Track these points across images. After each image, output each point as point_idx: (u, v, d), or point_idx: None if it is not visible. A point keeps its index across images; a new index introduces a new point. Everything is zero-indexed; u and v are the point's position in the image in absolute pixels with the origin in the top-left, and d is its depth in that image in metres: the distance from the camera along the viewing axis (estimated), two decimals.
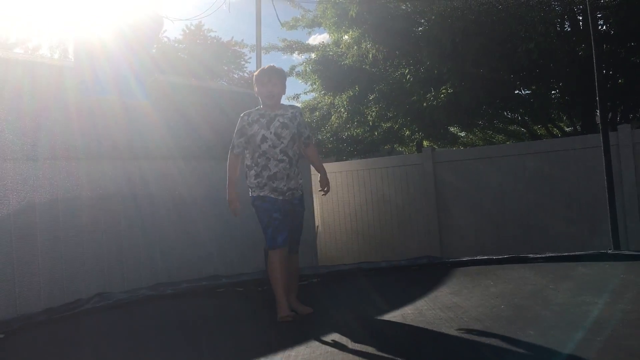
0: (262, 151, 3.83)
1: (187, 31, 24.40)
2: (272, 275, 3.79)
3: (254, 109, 4.00)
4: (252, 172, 3.90)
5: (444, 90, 9.34)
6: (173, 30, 38.11)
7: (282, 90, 4.02)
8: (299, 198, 4.03)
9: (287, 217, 3.89)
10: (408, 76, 10.14)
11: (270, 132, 3.84)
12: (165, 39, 22.82)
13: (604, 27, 9.81)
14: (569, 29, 10.40)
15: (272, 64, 3.97)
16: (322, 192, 4.15)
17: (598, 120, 5.62)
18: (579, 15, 9.98)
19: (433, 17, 9.30)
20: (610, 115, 10.11)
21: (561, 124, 12.74)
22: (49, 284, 5.21)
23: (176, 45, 23.64)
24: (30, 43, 20.74)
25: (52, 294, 5.19)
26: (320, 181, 4.19)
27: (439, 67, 9.42)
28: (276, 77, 3.94)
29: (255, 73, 4.06)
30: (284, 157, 3.86)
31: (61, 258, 5.32)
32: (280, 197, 3.86)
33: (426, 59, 9.59)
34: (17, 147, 5.12)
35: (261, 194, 3.85)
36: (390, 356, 2.80)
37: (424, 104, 9.64)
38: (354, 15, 10.01)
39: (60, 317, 3.92)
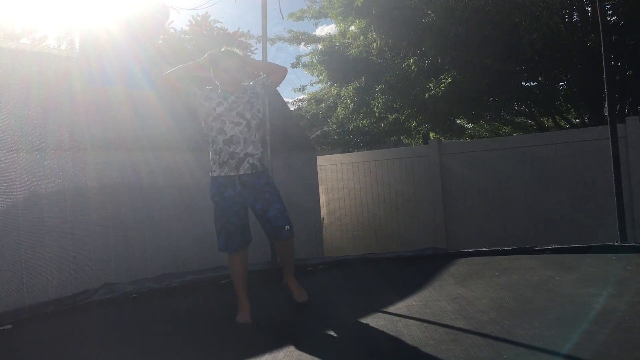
0: (216, 114, 3.57)
1: (194, 22, 24.38)
2: (231, 276, 3.72)
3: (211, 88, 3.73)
4: (209, 139, 3.62)
5: (443, 80, 9.30)
6: (179, 21, 38.07)
7: (241, 74, 3.72)
8: (264, 180, 3.64)
9: (246, 215, 3.68)
10: (413, 66, 10.11)
11: (227, 101, 3.61)
12: (172, 30, 22.83)
13: (613, 18, 9.73)
14: (576, 19, 10.32)
15: (229, 48, 3.75)
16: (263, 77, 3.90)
17: (606, 112, 5.57)
18: (588, 6, 9.91)
19: (437, 6, 9.25)
20: (618, 107, 10.04)
21: (569, 116, 12.68)
22: (57, 274, 5.25)
23: (182, 36, 23.63)
24: (37, 34, 20.80)
25: (60, 283, 5.24)
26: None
27: (442, 57, 9.39)
28: (239, 63, 3.69)
29: (215, 54, 3.71)
30: (241, 120, 3.58)
31: (68, 248, 5.36)
32: (242, 172, 3.53)
33: (430, 49, 9.56)
34: (24, 138, 5.14)
35: (222, 173, 3.54)
36: (393, 347, 2.81)
37: (426, 94, 9.62)
38: (359, 5, 9.98)
39: (68, 308, 3.93)
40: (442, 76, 9.37)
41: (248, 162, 3.56)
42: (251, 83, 3.84)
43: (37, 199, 5.19)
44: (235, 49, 3.82)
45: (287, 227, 3.67)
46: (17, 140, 5.09)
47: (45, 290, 5.14)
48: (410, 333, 2.95)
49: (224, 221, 3.59)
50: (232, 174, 3.54)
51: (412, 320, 3.21)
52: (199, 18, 24.41)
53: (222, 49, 3.74)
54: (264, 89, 3.90)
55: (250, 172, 3.56)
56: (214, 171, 3.58)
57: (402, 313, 3.41)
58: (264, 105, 3.83)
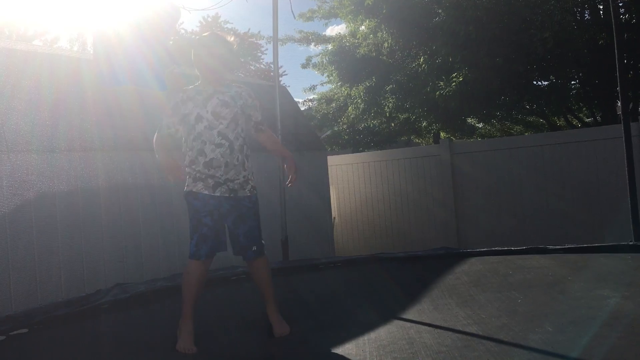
0: (197, 133, 3.19)
1: (204, 23, 24.49)
2: (184, 288, 3.23)
3: (191, 87, 3.32)
4: (187, 158, 3.25)
5: (454, 79, 9.26)
6: (190, 22, 38.21)
7: (227, 65, 3.41)
8: (249, 199, 3.31)
9: (222, 221, 3.28)
10: (423, 65, 10.07)
11: (207, 111, 3.20)
12: (183, 31, 22.93)
13: (625, 16, 9.64)
14: (588, 18, 10.24)
15: (215, 32, 3.39)
16: (289, 183, 3.44)
17: (619, 110, 5.52)
18: (600, 4, 9.83)
19: (447, 5, 9.21)
20: (631, 105, 9.95)
21: (581, 115, 12.58)
22: (69, 273, 5.29)
23: (193, 37, 23.70)
24: (49, 35, 20.95)
25: (72, 282, 5.28)
26: (286, 168, 3.43)
27: (453, 57, 9.35)
28: (223, 48, 3.30)
29: (199, 40, 3.40)
30: (223, 141, 3.19)
31: (80, 248, 5.39)
32: (218, 193, 3.20)
33: (441, 48, 9.52)
34: (36, 139, 5.18)
35: (194, 189, 3.20)
36: (408, 355, 2.79)
37: (437, 93, 9.58)
38: (370, 4, 9.96)
39: (81, 310, 3.94)
40: (454, 75, 9.33)
41: (227, 186, 3.22)
42: (242, 91, 3.39)
43: (50, 199, 5.23)
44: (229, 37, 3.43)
45: (254, 248, 3.31)
46: (29, 141, 5.12)
47: (59, 290, 5.18)
48: (422, 340, 2.92)
49: (197, 222, 3.22)
50: (205, 192, 3.20)
51: (423, 326, 3.18)
52: (209, 19, 24.56)
53: (211, 34, 3.40)
54: (249, 121, 3.39)
55: (227, 195, 3.23)
56: (187, 185, 3.25)
57: (414, 318, 3.38)
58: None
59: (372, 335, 3.10)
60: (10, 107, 5.12)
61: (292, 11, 8.41)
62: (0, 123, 4.98)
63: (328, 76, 12.94)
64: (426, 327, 3.17)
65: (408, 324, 3.28)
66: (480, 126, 14.61)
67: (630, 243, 5.05)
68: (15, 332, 3.47)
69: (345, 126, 13.73)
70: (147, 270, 5.78)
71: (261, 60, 25.89)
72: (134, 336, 3.52)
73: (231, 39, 3.38)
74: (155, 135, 3.32)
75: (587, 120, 12.55)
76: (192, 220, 3.24)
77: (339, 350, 2.89)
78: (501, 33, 8.86)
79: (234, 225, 3.28)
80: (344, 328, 3.28)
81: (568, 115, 12.11)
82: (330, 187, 9.16)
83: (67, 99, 5.58)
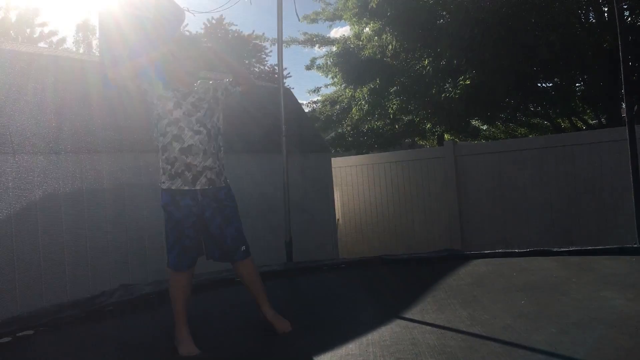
0: (173, 118, 3.15)
1: (209, 25, 24.55)
2: (173, 301, 3.22)
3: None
4: (161, 145, 3.21)
5: (461, 82, 9.27)
6: (194, 24, 38.31)
7: (198, 69, 3.37)
8: (225, 192, 3.32)
9: (204, 230, 3.26)
10: (428, 68, 10.08)
11: (186, 102, 3.21)
12: (187, 33, 22.98)
13: (630, 19, 9.62)
14: (593, 21, 10.23)
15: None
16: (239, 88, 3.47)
17: (624, 112, 5.51)
18: (604, 7, 9.81)
19: (452, 7, 9.22)
20: (636, 108, 9.93)
21: (585, 117, 12.56)
22: (74, 274, 5.32)
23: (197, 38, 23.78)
24: (55, 37, 21.04)
25: (78, 283, 5.30)
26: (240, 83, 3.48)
27: (458, 59, 9.35)
28: (201, 56, 3.33)
29: (176, 43, 3.33)
30: (201, 129, 3.18)
31: (85, 248, 5.41)
32: (198, 186, 3.17)
33: (445, 50, 9.52)
34: (42, 141, 5.21)
35: (172, 186, 3.15)
36: (405, 354, 2.79)
37: (443, 95, 9.58)
38: (374, 6, 9.98)
39: (86, 311, 3.95)
40: (460, 78, 9.33)
41: (206, 176, 3.20)
42: (210, 82, 3.43)
43: (55, 201, 5.25)
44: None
45: (243, 248, 3.32)
46: (36, 143, 5.15)
47: (64, 291, 5.20)
48: (426, 340, 2.92)
49: (178, 234, 3.16)
50: (186, 188, 3.16)
51: (427, 327, 3.19)
52: (214, 21, 24.62)
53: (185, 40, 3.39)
54: (225, 95, 3.46)
55: (207, 187, 3.21)
56: (164, 182, 3.20)
57: (418, 319, 3.38)
58: (220, 114, 3.35)
59: (376, 335, 3.11)
60: (16, 109, 5.15)
61: (296, 13, 8.44)
62: (6, 125, 5.01)
63: (332, 78, 12.97)
64: (430, 327, 3.17)
65: (412, 325, 3.28)
66: (484, 128, 14.60)
67: (635, 245, 5.04)
68: (21, 334, 3.48)
69: (349, 128, 13.73)
70: (151, 272, 5.79)
71: (265, 62, 25.94)
72: (138, 338, 3.53)
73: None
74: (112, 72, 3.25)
75: (592, 122, 12.53)
76: (172, 231, 3.18)
77: (342, 350, 2.89)
78: (507, 35, 8.87)
79: (220, 229, 3.26)
80: (348, 328, 3.28)
81: (573, 118, 12.09)
82: (334, 188, 9.16)
83: (72, 101, 5.60)
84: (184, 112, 3.17)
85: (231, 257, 3.31)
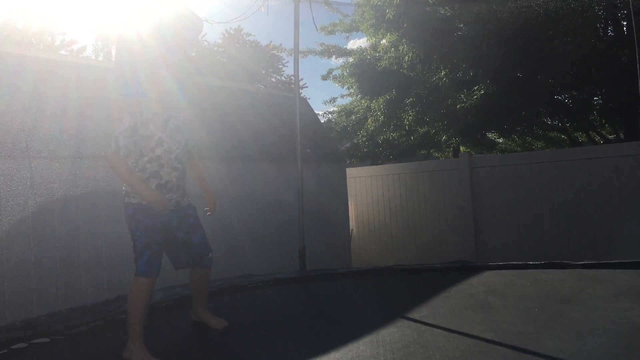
0: (155, 155, 3.17)
1: (227, 35, 24.78)
2: (134, 309, 3.11)
3: (143, 106, 3.19)
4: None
5: (476, 92, 9.27)
6: (212, 34, 38.68)
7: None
8: (188, 207, 3.43)
9: (170, 236, 3.35)
10: (444, 79, 10.10)
11: (167, 135, 3.20)
12: (205, 43, 23.23)
13: None
14: (612, 34, 10.20)
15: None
16: (209, 212, 3.66)
17: None
18: (623, 21, 9.78)
19: (469, 19, 9.25)
20: None
21: (603, 131, 12.47)
22: (90, 277, 5.39)
23: (215, 48, 24.01)
24: (76, 45, 21.37)
25: (93, 286, 5.38)
26: (207, 201, 3.67)
27: (475, 70, 9.37)
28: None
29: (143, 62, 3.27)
30: (179, 165, 3.29)
31: (102, 252, 5.48)
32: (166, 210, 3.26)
33: (462, 61, 9.54)
34: (62, 147, 5.30)
35: (143, 202, 3.16)
36: (416, 357, 2.80)
37: (458, 106, 9.59)
38: (391, 17, 10.04)
39: (100, 316, 3.99)
40: (475, 88, 9.34)
41: (175, 203, 3.35)
42: (182, 116, 3.37)
43: (74, 206, 5.34)
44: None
45: (210, 255, 3.50)
46: (56, 149, 5.25)
47: (80, 294, 5.27)
48: (437, 344, 2.94)
49: (148, 240, 3.16)
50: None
51: (438, 330, 3.20)
52: (232, 31, 24.84)
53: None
54: (190, 136, 3.44)
55: (173, 208, 3.31)
56: (134, 197, 3.19)
57: (429, 322, 3.40)
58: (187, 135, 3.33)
59: (387, 338, 3.12)
60: (37, 116, 5.25)
61: (314, 23, 8.49)
62: (28, 130, 5.11)
63: (348, 88, 13.03)
64: (441, 331, 3.19)
65: (423, 328, 3.29)
66: (500, 141, 14.56)
67: None
68: (37, 341, 3.51)
69: (364, 139, 13.76)
70: (166, 277, 5.83)
71: (282, 72, 26.11)
72: (149, 342, 3.57)
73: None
74: (112, 156, 3.18)
75: (609, 137, 12.44)
76: (141, 237, 3.17)
77: (354, 352, 2.91)
78: (524, 46, 8.87)
79: (187, 235, 3.40)
80: (359, 331, 3.29)
81: (590, 132, 12.02)
82: (349, 198, 9.19)
83: (92, 108, 5.70)
84: (164, 149, 3.19)
85: (200, 262, 3.48)
